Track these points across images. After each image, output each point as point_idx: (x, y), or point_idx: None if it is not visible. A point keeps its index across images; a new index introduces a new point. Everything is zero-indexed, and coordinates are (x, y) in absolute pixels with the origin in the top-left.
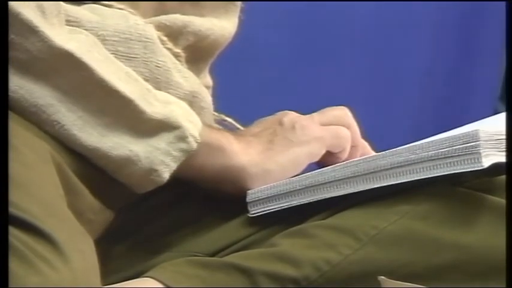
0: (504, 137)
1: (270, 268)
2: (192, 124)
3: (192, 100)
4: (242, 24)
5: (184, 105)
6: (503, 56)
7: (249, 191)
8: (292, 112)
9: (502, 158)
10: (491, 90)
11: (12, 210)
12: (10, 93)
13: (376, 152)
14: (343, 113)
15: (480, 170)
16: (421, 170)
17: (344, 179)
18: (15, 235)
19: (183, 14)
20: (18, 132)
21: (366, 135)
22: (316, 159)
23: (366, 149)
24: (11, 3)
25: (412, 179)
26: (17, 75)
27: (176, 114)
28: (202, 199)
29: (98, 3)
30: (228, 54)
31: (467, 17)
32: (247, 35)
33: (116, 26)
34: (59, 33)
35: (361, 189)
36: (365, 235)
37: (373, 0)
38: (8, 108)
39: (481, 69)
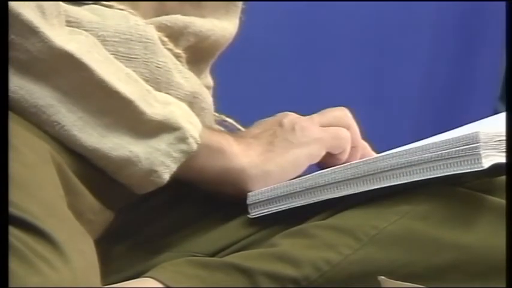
0: (504, 137)
1: (270, 268)
2: (192, 125)
3: (192, 101)
4: (242, 25)
5: (184, 106)
6: (503, 56)
7: (249, 193)
8: (292, 113)
9: (502, 158)
10: (491, 90)
11: (12, 210)
12: (10, 94)
13: (376, 153)
14: (343, 113)
15: (480, 170)
16: (422, 171)
17: (344, 180)
18: (15, 235)
19: (184, 14)
20: (18, 132)
21: (366, 136)
22: (316, 160)
23: (366, 149)
24: (11, 3)
25: (413, 180)
26: (17, 75)
27: (176, 115)
28: (202, 199)
29: (98, 4)
30: (228, 55)
31: (467, 17)
32: (248, 36)
33: (117, 27)
34: (59, 33)
35: (362, 191)
36: (365, 235)
37: (373, 0)
38: (8, 108)
39: (481, 70)
